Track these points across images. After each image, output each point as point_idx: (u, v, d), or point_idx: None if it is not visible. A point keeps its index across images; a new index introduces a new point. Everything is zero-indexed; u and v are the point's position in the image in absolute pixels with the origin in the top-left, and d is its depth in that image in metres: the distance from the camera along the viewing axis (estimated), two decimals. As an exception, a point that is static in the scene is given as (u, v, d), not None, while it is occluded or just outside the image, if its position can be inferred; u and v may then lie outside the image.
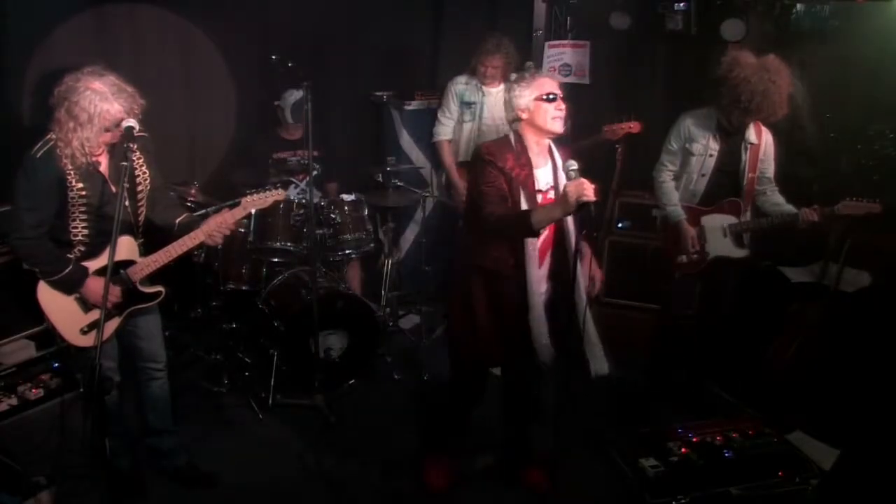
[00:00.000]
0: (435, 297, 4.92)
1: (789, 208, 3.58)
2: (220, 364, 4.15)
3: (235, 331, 4.29)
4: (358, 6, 5.03)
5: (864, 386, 3.71)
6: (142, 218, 2.95)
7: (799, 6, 4.45)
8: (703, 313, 3.85)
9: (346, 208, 4.25)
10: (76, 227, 2.78)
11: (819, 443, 3.46)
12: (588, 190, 2.53)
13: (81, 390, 3.36)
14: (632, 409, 3.90)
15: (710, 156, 3.60)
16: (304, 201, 4.04)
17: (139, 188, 2.90)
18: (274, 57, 3.79)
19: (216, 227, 2.91)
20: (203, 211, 3.97)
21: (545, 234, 2.94)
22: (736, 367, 4.07)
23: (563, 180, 2.90)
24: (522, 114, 2.89)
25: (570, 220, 2.92)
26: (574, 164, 2.68)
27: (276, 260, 4.22)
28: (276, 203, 3.12)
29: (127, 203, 2.79)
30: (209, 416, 3.85)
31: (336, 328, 4.05)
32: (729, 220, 3.64)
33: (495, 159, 2.84)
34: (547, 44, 5.22)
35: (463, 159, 4.69)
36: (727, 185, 3.65)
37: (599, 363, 3.06)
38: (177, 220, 3.02)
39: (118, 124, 2.67)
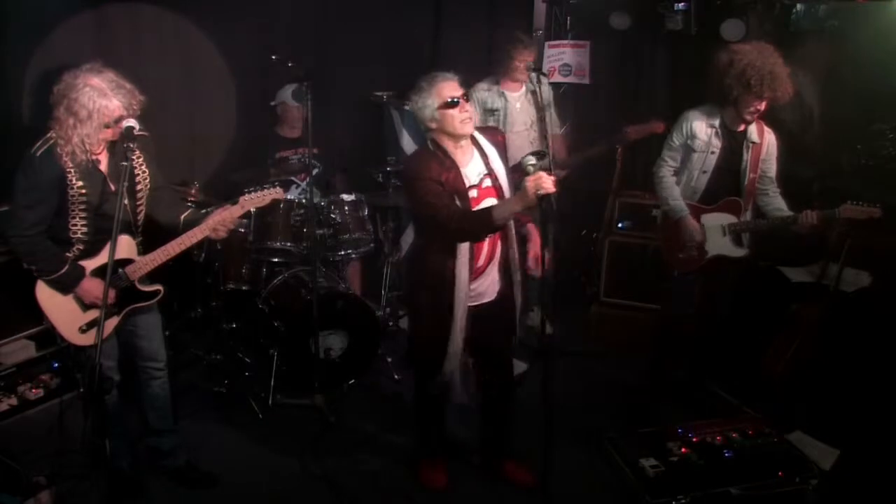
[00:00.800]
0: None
1: (787, 213, 3.55)
2: (220, 364, 4.15)
3: (235, 331, 4.29)
4: (358, 6, 5.02)
5: (863, 386, 3.72)
6: (141, 217, 2.94)
7: (799, 6, 4.45)
8: (702, 312, 3.84)
9: (346, 208, 4.25)
10: (75, 226, 2.78)
11: (819, 443, 3.46)
12: (546, 182, 2.56)
13: (81, 390, 3.36)
14: (632, 409, 3.90)
15: (712, 153, 3.58)
16: (304, 201, 4.04)
17: (138, 187, 2.90)
18: (274, 57, 3.79)
19: (215, 224, 2.91)
20: (204, 211, 3.97)
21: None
22: (736, 366, 4.07)
23: (497, 163, 2.95)
24: (431, 124, 2.88)
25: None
26: (532, 159, 2.68)
27: (276, 260, 4.22)
28: (275, 201, 3.11)
29: (126, 202, 2.78)
30: (209, 416, 3.85)
31: (336, 328, 4.05)
32: (729, 219, 3.62)
33: (422, 173, 2.84)
34: (547, 44, 5.22)
35: None
36: (728, 183, 3.62)
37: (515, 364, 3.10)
38: (181, 217, 3.01)
39: (118, 121, 2.67)
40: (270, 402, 3.92)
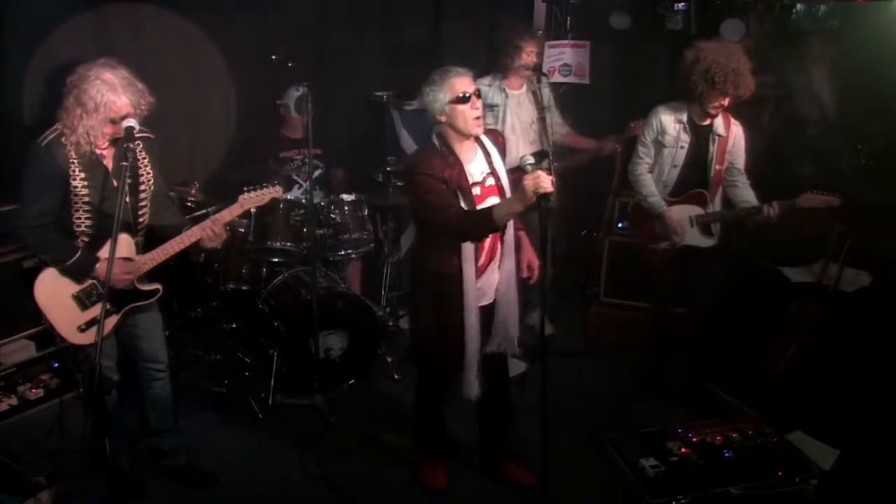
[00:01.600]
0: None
1: (754, 205, 3.64)
2: (220, 364, 4.15)
3: (235, 331, 4.29)
4: (358, 6, 5.02)
5: (863, 386, 3.71)
6: (142, 218, 2.93)
7: (799, 6, 4.46)
8: (691, 307, 3.88)
9: (346, 208, 4.25)
10: (79, 219, 2.78)
11: (819, 443, 3.46)
12: (545, 182, 2.55)
13: (81, 390, 3.37)
14: (632, 408, 3.90)
15: (682, 147, 3.69)
16: (304, 201, 4.04)
17: (142, 187, 2.90)
18: (274, 57, 3.79)
19: (212, 223, 2.92)
20: (203, 211, 3.98)
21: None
22: (736, 366, 4.07)
23: (499, 163, 2.97)
24: (441, 118, 2.89)
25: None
26: (530, 159, 2.68)
27: (276, 260, 4.22)
28: (274, 200, 3.11)
29: (127, 199, 2.79)
30: (209, 416, 3.85)
31: (336, 328, 4.05)
32: (695, 210, 3.72)
33: (424, 169, 2.84)
34: (547, 44, 5.21)
35: None
36: (696, 176, 3.73)
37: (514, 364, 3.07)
38: (183, 228, 3.01)
39: (123, 118, 2.68)
40: (270, 402, 3.92)
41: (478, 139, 2.97)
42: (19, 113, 3.81)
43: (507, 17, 5.24)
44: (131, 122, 2.67)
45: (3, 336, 3.43)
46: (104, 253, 2.81)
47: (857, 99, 4.39)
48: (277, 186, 3.06)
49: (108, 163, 2.82)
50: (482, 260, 2.98)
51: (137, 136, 2.76)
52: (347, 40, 5.07)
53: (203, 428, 3.74)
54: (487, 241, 2.97)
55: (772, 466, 3.08)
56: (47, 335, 3.46)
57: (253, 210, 4.07)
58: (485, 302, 3.04)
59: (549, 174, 2.64)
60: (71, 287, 2.85)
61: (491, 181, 2.96)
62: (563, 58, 5.25)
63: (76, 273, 2.82)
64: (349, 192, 4.36)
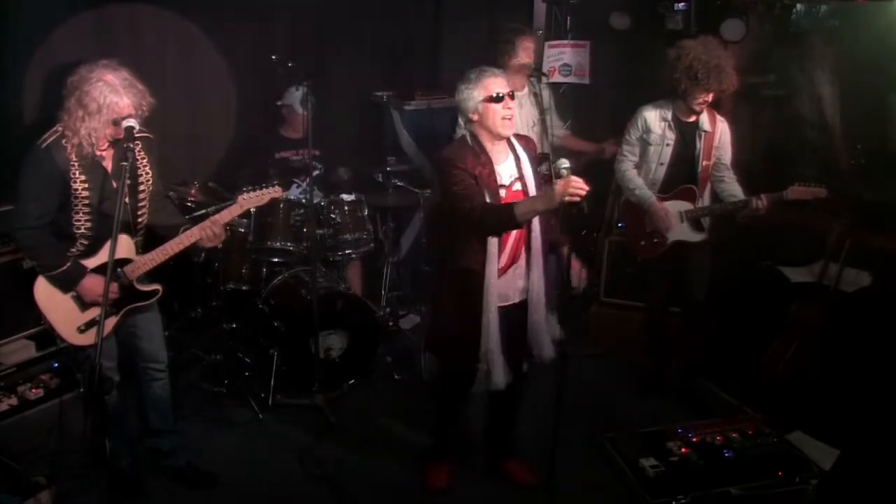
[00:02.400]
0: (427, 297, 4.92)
1: (742, 198, 3.67)
2: (220, 364, 4.15)
3: (235, 331, 4.29)
4: (358, 6, 5.02)
5: (863, 386, 3.71)
6: (142, 218, 2.93)
7: (799, 6, 4.46)
8: (687, 304, 3.90)
9: (346, 208, 4.25)
10: (78, 221, 2.78)
11: (819, 443, 3.46)
12: (577, 189, 2.54)
13: (81, 390, 3.37)
14: (632, 408, 3.90)
15: (668, 145, 3.74)
16: (304, 201, 4.04)
17: (141, 187, 2.90)
18: (274, 57, 3.79)
19: (211, 224, 2.92)
20: (203, 211, 3.98)
21: (512, 233, 2.95)
22: (736, 366, 4.07)
23: (529, 172, 2.96)
24: (473, 116, 2.90)
25: (537, 224, 2.94)
26: (566, 163, 2.69)
27: (276, 260, 4.22)
28: (274, 200, 3.11)
29: (127, 200, 2.80)
30: (209, 416, 3.85)
31: (336, 328, 4.05)
32: (685, 206, 3.76)
33: (457, 162, 2.85)
34: (547, 44, 5.21)
35: None
36: (684, 173, 3.77)
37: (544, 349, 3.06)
38: (181, 228, 3.00)
39: (125, 119, 2.68)
40: (270, 402, 3.92)
41: (509, 142, 2.98)
42: (19, 114, 3.81)
43: (507, 17, 5.25)
44: (131, 122, 2.67)
45: (3, 336, 3.43)
46: (101, 258, 2.82)
47: (857, 99, 4.38)
48: (277, 187, 3.06)
49: (108, 164, 2.82)
50: (504, 261, 2.99)
51: (137, 136, 2.76)
52: (347, 40, 5.07)
53: (203, 428, 3.74)
54: (510, 243, 2.97)
55: (772, 466, 3.08)
56: (47, 335, 3.46)
57: (253, 210, 4.07)
58: (509, 302, 3.04)
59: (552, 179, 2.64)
60: (68, 292, 2.85)
61: (518, 186, 2.96)
62: (563, 58, 5.25)
63: (62, 283, 2.82)
64: (349, 192, 4.36)
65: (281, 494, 3.31)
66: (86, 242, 2.83)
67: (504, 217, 2.76)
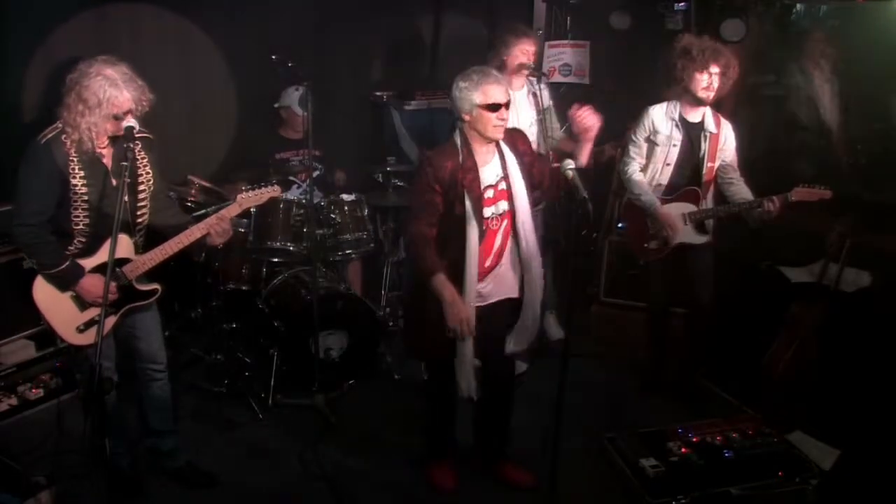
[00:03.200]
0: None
1: (751, 199, 3.65)
2: (220, 364, 4.15)
3: (235, 331, 4.29)
4: (358, 6, 5.02)
5: (863, 386, 3.71)
6: (141, 218, 2.92)
7: (799, 6, 4.46)
8: (691, 306, 3.89)
9: (346, 208, 4.25)
10: (77, 217, 2.76)
11: (819, 443, 3.46)
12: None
13: (81, 390, 3.36)
14: (632, 409, 3.90)
15: (674, 146, 3.72)
16: (304, 201, 4.04)
17: (141, 187, 2.89)
18: (274, 57, 3.79)
19: (213, 221, 2.91)
20: (203, 211, 3.98)
21: (498, 233, 2.99)
22: (736, 366, 4.07)
23: (514, 172, 2.97)
24: (465, 116, 2.90)
25: (525, 222, 2.97)
26: (571, 164, 2.72)
27: (276, 260, 4.22)
28: (273, 199, 3.12)
29: (126, 199, 2.78)
30: (209, 416, 3.84)
31: (336, 328, 4.05)
32: (688, 207, 3.73)
33: (434, 169, 2.87)
34: (547, 44, 5.22)
35: None
36: (689, 174, 3.75)
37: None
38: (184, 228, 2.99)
39: (126, 114, 2.67)
40: (270, 402, 3.92)
41: (497, 144, 2.98)
42: (19, 111, 3.81)
43: (507, 17, 5.26)
44: (131, 122, 2.66)
45: (3, 336, 3.43)
46: (100, 257, 2.81)
47: (856, 99, 4.39)
48: (276, 186, 3.06)
49: (108, 162, 2.80)
50: (489, 262, 3.01)
51: (137, 136, 2.75)
52: (347, 41, 5.07)
53: (203, 428, 3.73)
54: (496, 244, 3.00)
55: (772, 466, 3.07)
56: (47, 335, 3.46)
57: (253, 210, 4.08)
58: (493, 300, 3.07)
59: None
60: (66, 291, 2.84)
61: (503, 185, 2.98)
62: (563, 58, 5.25)
63: (60, 282, 2.81)
64: (349, 192, 4.36)
65: (281, 494, 3.31)
66: (84, 240, 2.81)
67: (422, 267, 2.85)
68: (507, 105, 2.86)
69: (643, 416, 3.79)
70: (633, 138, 3.81)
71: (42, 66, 3.81)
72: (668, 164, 3.75)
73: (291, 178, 4.34)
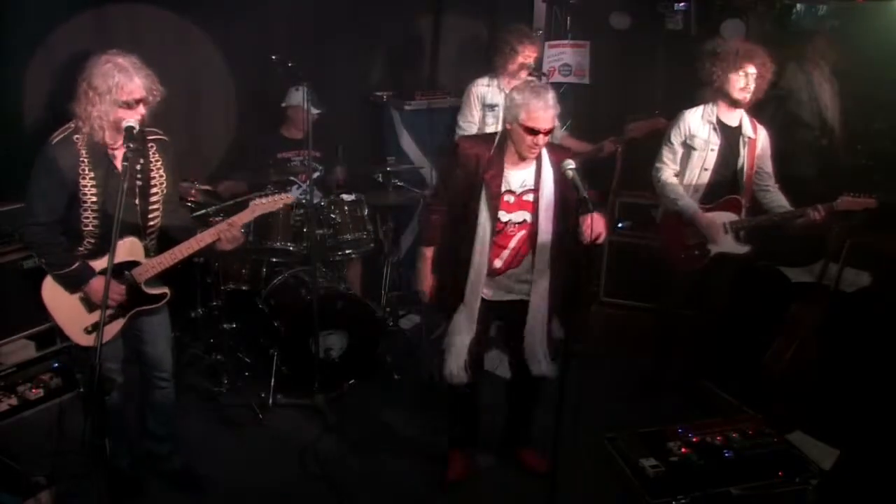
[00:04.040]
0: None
1: (794, 209, 3.59)
2: (220, 364, 4.15)
3: (235, 331, 4.29)
4: (358, 6, 5.02)
5: (863, 386, 3.71)
6: (153, 221, 2.89)
7: (799, 6, 4.46)
8: (704, 310, 3.85)
9: (346, 208, 4.25)
10: (87, 218, 2.75)
11: (819, 443, 3.46)
12: (600, 228, 2.71)
13: (81, 390, 3.36)
14: (632, 408, 3.90)
15: (712, 150, 3.62)
16: (304, 201, 4.04)
17: (153, 190, 2.85)
18: (274, 57, 3.79)
19: (224, 227, 2.88)
20: (203, 211, 3.98)
21: (514, 238, 3.04)
22: (736, 366, 4.07)
23: (547, 185, 2.98)
24: (507, 125, 2.94)
25: (543, 235, 2.99)
26: (571, 164, 2.74)
27: (276, 260, 4.22)
28: (286, 207, 3.11)
29: (137, 202, 2.78)
30: (209, 417, 3.85)
31: (336, 328, 4.05)
32: (729, 216, 3.65)
33: (460, 155, 2.98)
34: (547, 44, 5.21)
35: None
36: (727, 181, 3.67)
37: (537, 365, 3.15)
38: (191, 232, 2.98)
39: (137, 102, 2.66)
40: (270, 402, 3.92)
41: (539, 154, 3.00)
42: (19, 112, 3.81)
43: (507, 17, 5.25)
44: (131, 122, 2.64)
45: (3, 336, 3.43)
46: (104, 262, 2.70)
47: (857, 99, 4.39)
48: (289, 193, 3.06)
49: (119, 163, 2.77)
50: (499, 264, 3.07)
51: (151, 138, 2.75)
52: (347, 40, 5.06)
53: (203, 428, 3.73)
54: (511, 247, 3.05)
55: (772, 466, 3.07)
56: (47, 335, 3.47)
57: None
58: (508, 297, 3.13)
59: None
60: (75, 292, 2.82)
61: (529, 197, 3.00)
62: (563, 58, 5.25)
63: (69, 283, 2.79)
64: (349, 192, 4.36)
65: (281, 494, 3.31)
66: (93, 241, 2.79)
67: (422, 233, 3.18)
68: (547, 132, 2.88)
69: (643, 416, 3.79)
70: (668, 142, 3.70)
71: (42, 67, 3.81)
72: (705, 170, 3.64)
73: (292, 178, 4.34)
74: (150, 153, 2.83)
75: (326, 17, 4.95)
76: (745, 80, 3.49)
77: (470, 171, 2.95)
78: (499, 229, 3.01)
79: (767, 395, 3.83)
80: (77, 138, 2.68)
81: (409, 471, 3.44)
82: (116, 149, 2.77)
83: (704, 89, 3.68)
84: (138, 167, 2.75)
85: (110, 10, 4.13)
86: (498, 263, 3.07)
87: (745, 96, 3.53)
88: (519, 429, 3.49)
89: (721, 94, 3.57)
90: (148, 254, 2.89)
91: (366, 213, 4.36)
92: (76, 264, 2.75)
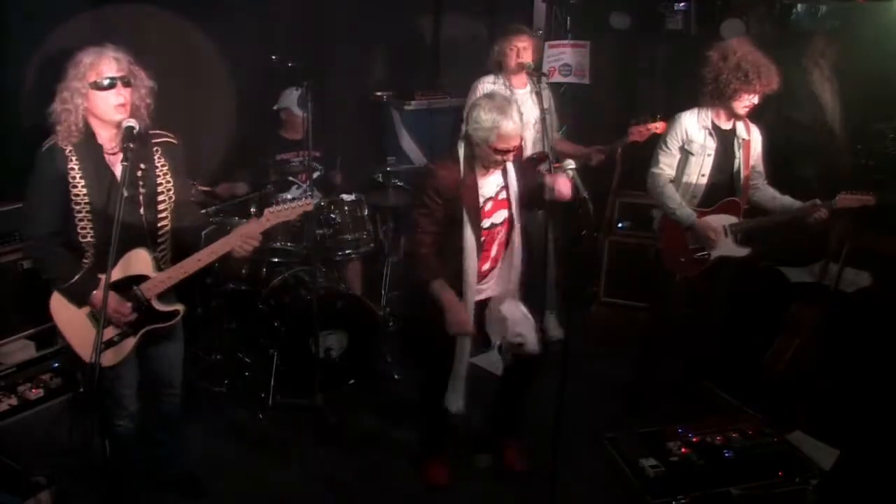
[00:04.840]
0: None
1: (787, 200, 3.59)
2: (220, 364, 4.15)
3: (235, 331, 4.29)
4: (358, 6, 5.03)
5: (863, 386, 3.71)
6: (163, 231, 2.73)
7: (799, 6, 4.46)
8: (705, 313, 3.84)
9: (346, 208, 4.26)
10: (84, 229, 2.59)
11: (819, 443, 3.46)
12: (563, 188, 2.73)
13: (81, 390, 3.36)
14: (634, 409, 3.90)
15: (709, 155, 3.58)
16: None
17: (160, 197, 2.69)
18: (274, 57, 3.79)
19: (240, 239, 2.70)
20: (203, 211, 3.98)
21: (495, 240, 3.09)
22: (736, 366, 4.07)
23: (512, 176, 3.05)
24: (474, 146, 2.95)
25: (518, 228, 3.07)
26: (572, 164, 2.77)
27: (276, 260, 4.22)
28: (305, 214, 2.88)
29: (143, 212, 2.64)
30: (209, 417, 3.85)
31: (336, 328, 4.05)
32: (729, 219, 3.62)
33: (437, 183, 2.95)
34: (547, 44, 5.22)
35: None
36: (724, 184, 3.63)
37: (531, 345, 3.18)
38: (203, 234, 2.91)
39: (113, 83, 2.50)
40: (270, 402, 3.92)
41: None
42: (18, 114, 3.81)
43: (507, 17, 5.26)
44: (130, 122, 2.53)
45: (3, 336, 3.43)
46: (117, 272, 2.62)
47: (856, 99, 4.39)
48: (308, 199, 2.84)
49: (117, 170, 2.59)
50: (487, 265, 3.13)
51: (156, 141, 2.64)
52: (347, 41, 5.07)
53: (203, 428, 3.73)
54: (493, 251, 3.11)
55: (772, 466, 3.07)
56: (47, 335, 3.47)
57: (253, 210, 4.08)
58: (491, 294, 3.20)
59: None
60: (83, 306, 2.67)
61: (503, 195, 3.06)
62: (563, 58, 5.25)
63: (75, 297, 2.64)
64: (349, 192, 4.36)
65: (281, 494, 3.31)
66: (95, 254, 2.62)
67: (422, 273, 2.95)
68: (514, 148, 2.92)
69: (643, 416, 3.79)
70: (665, 148, 3.63)
71: (42, 67, 3.80)
72: (702, 175, 3.59)
73: (291, 178, 4.34)
74: (155, 157, 2.68)
75: (327, 17, 4.96)
76: (755, 100, 3.45)
77: (449, 197, 2.95)
78: (483, 237, 3.06)
79: (767, 395, 3.83)
80: (65, 144, 2.54)
81: (409, 471, 3.44)
82: (114, 153, 2.61)
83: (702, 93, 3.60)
84: (140, 174, 2.61)
85: (110, 11, 4.13)
86: (486, 266, 3.13)
87: (747, 110, 3.51)
88: (505, 419, 3.48)
89: (723, 106, 3.51)
90: (159, 266, 2.72)
91: (366, 213, 4.36)
92: (78, 276, 2.60)
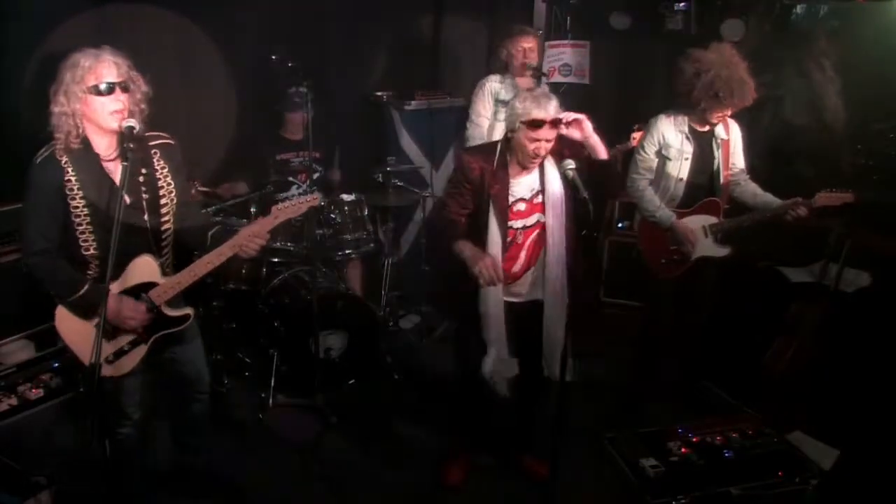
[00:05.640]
0: (434, 297, 4.92)
1: (769, 197, 3.58)
2: (220, 364, 4.15)
3: (235, 331, 4.29)
4: (358, 6, 5.02)
5: (863, 386, 3.71)
6: (166, 235, 2.67)
7: (799, 6, 4.46)
8: (692, 313, 3.82)
9: (346, 208, 4.26)
10: (86, 241, 2.51)
11: (819, 443, 3.46)
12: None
13: (81, 390, 3.36)
14: (632, 409, 3.90)
15: (686, 159, 3.56)
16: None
17: (163, 201, 2.62)
18: (274, 57, 3.79)
19: (247, 238, 2.68)
20: (205, 210, 3.97)
21: (528, 241, 3.04)
22: (736, 366, 4.07)
23: (553, 184, 2.98)
24: (509, 133, 2.95)
25: (555, 234, 2.98)
26: (572, 164, 2.73)
27: (276, 260, 4.22)
28: (312, 209, 2.88)
29: (147, 217, 2.58)
30: (209, 416, 3.84)
31: (336, 328, 4.05)
32: (709, 219, 3.62)
33: (466, 164, 2.94)
34: (547, 44, 5.22)
35: None
36: (704, 185, 3.62)
37: (554, 368, 3.10)
38: (209, 234, 2.89)
39: (111, 88, 2.42)
40: (270, 402, 3.92)
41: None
42: (20, 113, 3.81)
43: (507, 17, 5.27)
44: (131, 122, 2.46)
45: (3, 336, 3.43)
46: (124, 281, 2.60)
47: (857, 99, 4.39)
48: (315, 195, 2.85)
49: (116, 176, 2.49)
50: (517, 268, 3.08)
51: (154, 143, 2.59)
52: (347, 41, 5.07)
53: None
54: (525, 252, 3.06)
55: (772, 466, 3.07)
56: (47, 335, 3.47)
57: (253, 210, 4.08)
58: (528, 298, 3.15)
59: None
60: (92, 318, 2.58)
61: (539, 199, 3.02)
62: (563, 58, 5.26)
63: (82, 310, 2.55)
64: (349, 193, 4.36)
65: (281, 494, 3.31)
66: (99, 265, 2.55)
67: (448, 243, 2.88)
68: (552, 124, 2.85)
69: (643, 417, 3.79)
70: (643, 153, 3.62)
71: (42, 67, 3.80)
72: (680, 180, 3.58)
73: (291, 178, 4.34)
74: (155, 160, 2.62)
75: (327, 17, 4.95)
76: (728, 112, 3.45)
77: (476, 185, 2.95)
78: (510, 237, 3.01)
79: (767, 395, 3.83)
80: (61, 154, 2.45)
81: (409, 471, 3.44)
82: (112, 160, 2.53)
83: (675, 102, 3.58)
84: (141, 178, 2.55)
85: (110, 11, 4.13)
86: (516, 268, 3.08)
87: (721, 120, 3.50)
88: (521, 433, 3.47)
89: (699, 114, 3.49)
90: (164, 272, 2.66)
91: (366, 213, 4.36)
92: (85, 288, 2.50)
